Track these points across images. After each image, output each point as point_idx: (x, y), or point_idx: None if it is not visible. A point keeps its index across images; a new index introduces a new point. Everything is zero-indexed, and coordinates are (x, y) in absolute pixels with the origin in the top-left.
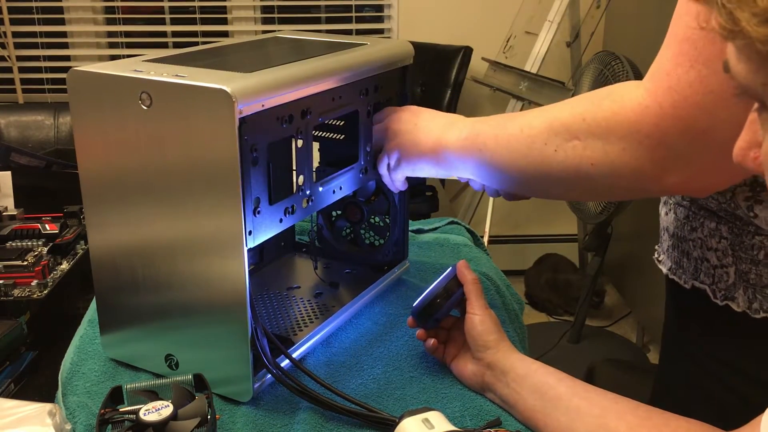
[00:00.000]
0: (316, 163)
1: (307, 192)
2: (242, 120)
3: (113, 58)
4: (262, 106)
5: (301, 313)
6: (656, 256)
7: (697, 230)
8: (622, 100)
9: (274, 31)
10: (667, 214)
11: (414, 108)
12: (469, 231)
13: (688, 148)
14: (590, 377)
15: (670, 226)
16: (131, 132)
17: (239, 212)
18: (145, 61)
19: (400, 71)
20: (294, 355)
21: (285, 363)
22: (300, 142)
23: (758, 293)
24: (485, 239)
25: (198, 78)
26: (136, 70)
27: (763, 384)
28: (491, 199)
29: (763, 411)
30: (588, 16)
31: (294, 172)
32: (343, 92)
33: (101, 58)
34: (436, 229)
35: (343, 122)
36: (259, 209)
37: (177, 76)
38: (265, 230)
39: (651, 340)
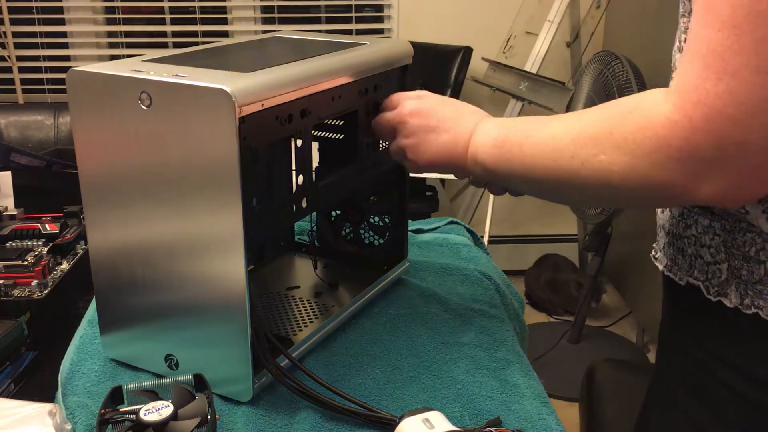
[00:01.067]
0: (315, 163)
1: (308, 191)
2: (242, 120)
3: (113, 58)
4: (262, 105)
5: (301, 313)
6: (653, 253)
7: (691, 227)
8: (650, 115)
9: (274, 31)
10: (663, 212)
11: (430, 98)
12: (469, 231)
13: (720, 161)
14: (590, 377)
15: (665, 224)
16: (131, 132)
17: (239, 212)
18: (145, 61)
19: (399, 71)
20: (293, 355)
21: (284, 363)
22: (300, 142)
23: (750, 289)
24: (485, 239)
25: (198, 78)
26: (135, 70)
27: (755, 379)
28: (491, 199)
29: (755, 406)
30: (588, 16)
31: (293, 172)
32: (342, 92)
33: (101, 58)
34: (435, 228)
35: (342, 122)
36: (259, 209)
37: (177, 76)
38: (266, 230)
39: (651, 340)
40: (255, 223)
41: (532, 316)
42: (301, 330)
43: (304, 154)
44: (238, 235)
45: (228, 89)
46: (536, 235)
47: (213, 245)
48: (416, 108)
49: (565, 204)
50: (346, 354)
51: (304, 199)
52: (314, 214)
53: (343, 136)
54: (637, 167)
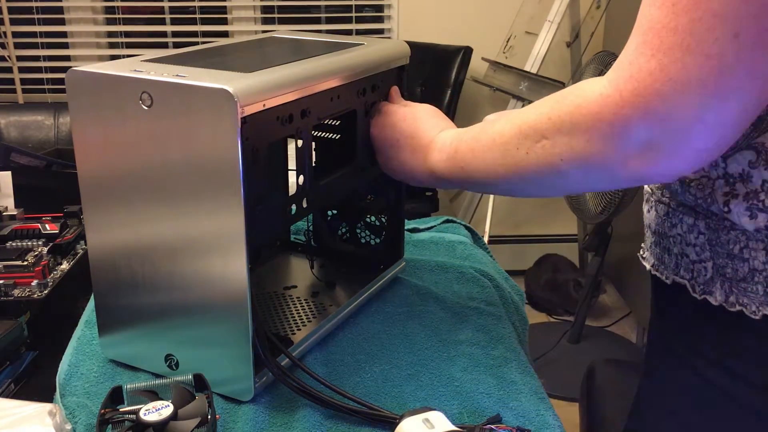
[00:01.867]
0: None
1: (308, 191)
2: (244, 120)
3: (113, 58)
4: (263, 105)
5: (299, 313)
6: (641, 253)
7: (677, 226)
8: (584, 94)
9: (273, 31)
10: (648, 211)
11: (409, 111)
12: (467, 228)
13: (647, 136)
14: (590, 377)
15: (651, 224)
16: (131, 132)
17: (241, 212)
18: (145, 61)
19: (396, 71)
20: (296, 353)
21: (284, 362)
22: (300, 142)
23: (734, 287)
24: (485, 239)
25: (199, 78)
26: (136, 70)
27: (740, 376)
28: (491, 199)
29: (740, 403)
30: (588, 16)
31: (292, 172)
32: (341, 92)
33: (101, 58)
34: (432, 227)
35: (339, 122)
36: (260, 208)
37: (178, 76)
38: (266, 230)
39: None
40: (255, 223)
41: (532, 316)
42: (300, 329)
43: (305, 154)
44: (239, 235)
45: (230, 89)
46: (536, 235)
47: (215, 245)
48: (381, 123)
49: (522, 197)
50: (345, 353)
51: (305, 200)
52: (311, 213)
53: (340, 136)
54: (576, 146)
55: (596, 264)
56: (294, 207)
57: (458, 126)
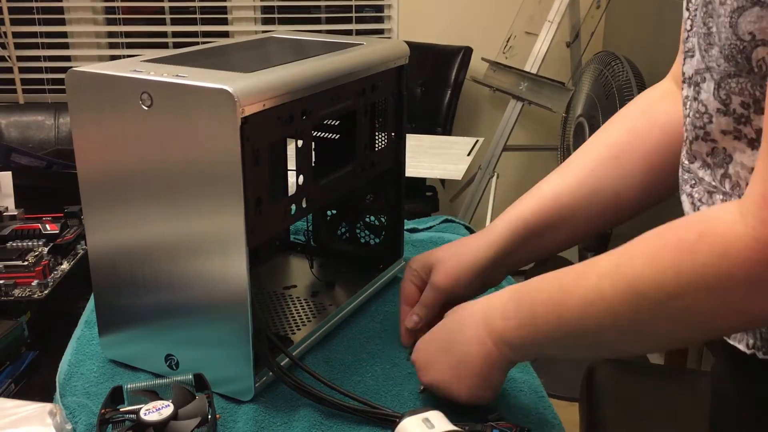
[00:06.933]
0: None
1: (308, 191)
2: (244, 120)
3: (113, 58)
4: (263, 106)
5: (299, 312)
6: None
7: None
8: (725, 241)
9: (272, 31)
10: None
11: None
12: (467, 228)
13: None
14: (590, 377)
15: None
16: (131, 132)
17: (241, 212)
18: (144, 61)
19: (396, 71)
20: (296, 352)
21: (284, 362)
22: (300, 142)
23: None
24: None
25: (199, 78)
26: (135, 71)
27: None
28: (491, 199)
29: None
30: (588, 16)
31: (292, 172)
32: (341, 92)
33: (101, 58)
34: (431, 227)
35: (338, 122)
36: (260, 209)
37: (178, 76)
38: (267, 229)
39: None
40: (255, 223)
41: None
42: (299, 329)
43: (305, 154)
44: (240, 235)
45: (230, 89)
46: None
47: (215, 245)
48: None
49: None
50: (345, 352)
51: (304, 200)
52: (310, 213)
53: (339, 135)
54: (732, 302)
55: None
56: (294, 207)
57: (458, 126)
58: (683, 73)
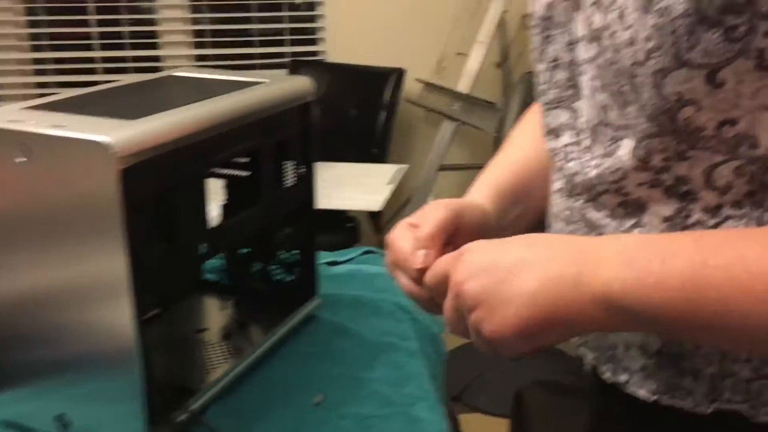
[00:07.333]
0: (222, 201)
1: (205, 234)
2: (124, 172)
3: (40, 85)
4: (148, 155)
5: (209, 357)
6: (608, 374)
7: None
8: None
9: (207, 55)
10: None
11: (480, 248)
12: None
13: None
14: (519, 401)
15: (648, 343)
16: (8, 185)
17: (123, 263)
18: (26, 108)
19: (300, 108)
20: (198, 404)
21: (186, 415)
22: (194, 187)
23: None
24: None
25: (78, 128)
26: (12, 120)
27: None
28: None
29: None
30: (517, 36)
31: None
32: (239, 133)
33: (25, 86)
34: (350, 260)
35: (248, 159)
36: (147, 257)
37: (56, 126)
38: (157, 278)
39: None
40: (155, 267)
41: None
42: (208, 375)
43: (198, 199)
44: (123, 286)
45: (106, 141)
46: None
47: (100, 296)
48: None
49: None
50: (254, 398)
51: (202, 242)
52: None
53: (249, 173)
54: None
55: None
56: (192, 250)
57: (394, 148)
58: (547, 125)
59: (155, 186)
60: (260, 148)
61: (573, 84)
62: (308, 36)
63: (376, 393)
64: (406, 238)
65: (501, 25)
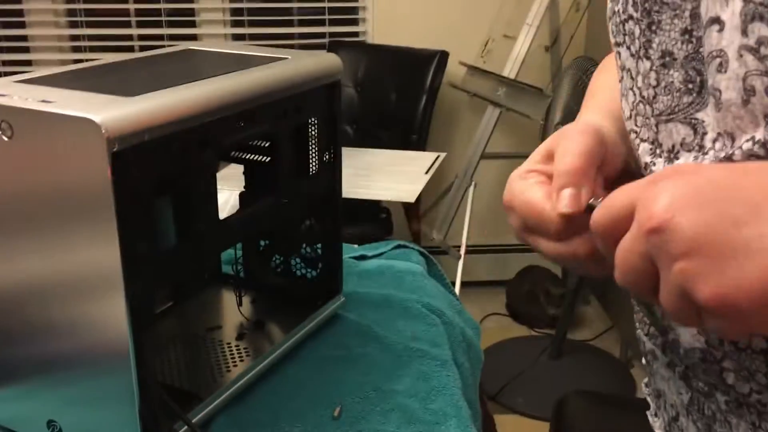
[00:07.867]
0: (240, 188)
1: (216, 225)
2: (116, 155)
3: (77, 61)
4: (145, 137)
5: (219, 360)
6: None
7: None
8: None
9: (244, 35)
10: (670, 389)
11: (690, 174)
12: (422, 254)
13: None
14: (561, 408)
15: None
16: None
17: (116, 253)
18: (18, 81)
19: (326, 89)
20: (202, 413)
21: (186, 428)
22: (202, 174)
23: None
24: (462, 251)
25: (67, 105)
26: None
27: None
28: (468, 210)
29: None
30: (567, 19)
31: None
32: (252, 115)
33: (63, 62)
34: (381, 254)
35: (268, 143)
36: (144, 249)
37: (43, 102)
38: (155, 272)
39: (634, 355)
40: (140, 265)
41: (514, 329)
42: (216, 381)
43: (207, 187)
44: (116, 278)
45: (97, 119)
46: (519, 245)
47: (91, 290)
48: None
49: None
50: (264, 410)
51: (211, 234)
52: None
53: (269, 158)
54: None
55: (578, 277)
56: (198, 241)
57: (434, 133)
58: (652, 144)
59: (154, 171)
60: (280, 131)
61: (694, 87)
62: (349, 16)
63: (401, 407)
64: (535, 186)
65: (551, 6)
